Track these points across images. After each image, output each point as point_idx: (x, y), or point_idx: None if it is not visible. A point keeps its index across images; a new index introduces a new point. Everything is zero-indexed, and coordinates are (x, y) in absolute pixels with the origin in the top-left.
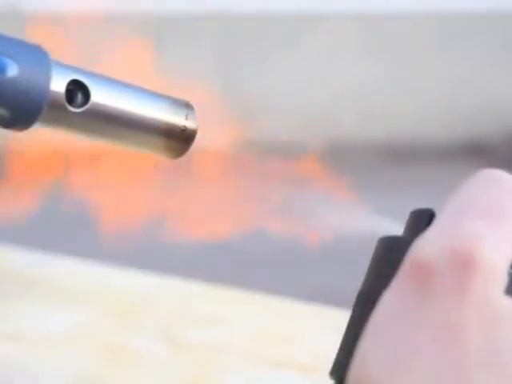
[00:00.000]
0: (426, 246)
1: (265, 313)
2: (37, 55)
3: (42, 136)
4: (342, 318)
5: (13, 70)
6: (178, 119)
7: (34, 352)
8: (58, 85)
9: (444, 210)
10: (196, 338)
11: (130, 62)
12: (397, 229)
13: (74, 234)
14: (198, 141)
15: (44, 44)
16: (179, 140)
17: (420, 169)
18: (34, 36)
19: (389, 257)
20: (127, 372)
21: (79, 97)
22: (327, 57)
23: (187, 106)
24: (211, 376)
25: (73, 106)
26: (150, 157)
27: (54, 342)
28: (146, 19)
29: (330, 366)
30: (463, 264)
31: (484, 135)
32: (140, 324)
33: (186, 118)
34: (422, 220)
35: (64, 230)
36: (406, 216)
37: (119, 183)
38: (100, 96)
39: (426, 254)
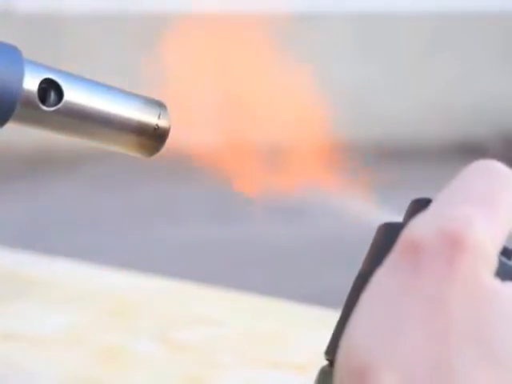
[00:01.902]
0: (419, 226)
1: (260, 313)
2: (9, 54)
3: None
4: (336, 318)
5: None
6: (150, 118)
7: (30, 352)
8: (31, 83)
9: (439, 196)
10: (191, 338)
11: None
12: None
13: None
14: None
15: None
16: (152, 138)
17: (415, 168)
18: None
19: (387, 241)
20: (123, 372)
21: (52, 95)
22: (323, 56)
23: (160, 105)
24: (207, 376)
25: (46, 105)
26: None
27: (50, 342)
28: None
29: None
30: (453, 243)
31: (479, 135)
32: (136, 324)
33: (159, 117)
34: (420, 208)
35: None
36: (401, 214)
37: None
38: (73, 95)
39: (417, 233)
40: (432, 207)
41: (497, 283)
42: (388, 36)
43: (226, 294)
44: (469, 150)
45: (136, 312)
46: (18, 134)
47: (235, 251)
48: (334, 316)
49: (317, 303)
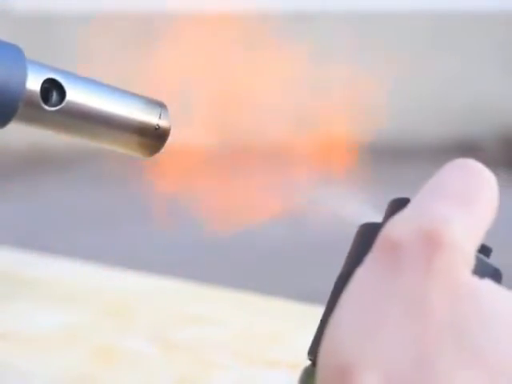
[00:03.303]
0: (397, 225)
1: (255, 312)
2: (12, 54)
3: None
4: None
5: None
6: (151, 118)
7: (25, 352)
8: (34, 83)
9: (417, 195)
10: (187, 337)
11: None
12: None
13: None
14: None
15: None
16: (152, 138)
17: (412, 167)
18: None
19: (366, 241)
20: (118, 372)
21: (54, 95)
22: (320, 55)
23: (160, 105)
24: (202, 375)
25: (48, 105)
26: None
27: (44, 341)
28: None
29: None
30: (431, 242)
31: (476, 134)
32: (132, 324)
33: (160, 117)
34: (399, 207)
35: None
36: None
37: None
38: (75, 95)
39: (395, 232)
40: (410, 206)
41: (475, 280)
42: (386, 35)
43: (222, 293)
44: (466, 150)
45: (132, 311)
46: (14, 133)
47: (232, 251)
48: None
49: (314, 302)
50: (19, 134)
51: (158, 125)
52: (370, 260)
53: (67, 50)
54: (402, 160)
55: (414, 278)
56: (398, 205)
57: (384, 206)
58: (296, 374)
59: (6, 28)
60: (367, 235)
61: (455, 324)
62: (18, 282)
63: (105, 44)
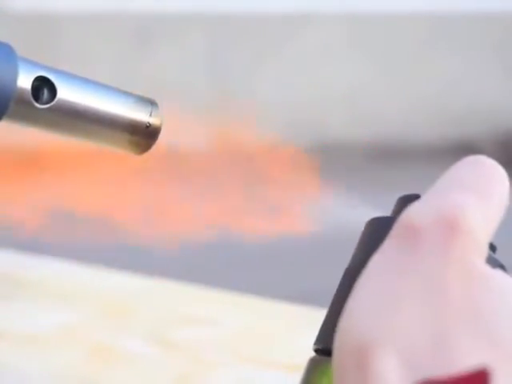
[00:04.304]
0: (416, 211)
1: (252, 313)
2: (3, 52)
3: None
4: None
5: None
6: (142, 116)
7: (22, 352)
8: (25, 81)
9: (433, 186)
10: (184, 337)
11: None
12: None
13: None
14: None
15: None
16: (143, 136)
17: (409, 169)
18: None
19: (377, 235)
20: (116, 372)
21: (45, 93)
22: (318, 57)
23: (152, 103)
24: (200, 375)
25: (39, 103)
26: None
27: (42, 341)
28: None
29: None
30: (449, 227)
31: (473, 135)
32: (128, 324)
33: (151, 115)
34: (410, 202)
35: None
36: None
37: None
38: (66, 92)
39: (415, 217)
40: (426, 195)
41: (488, 268)
42: (384, 36)
43: (220, 294)
44: (463, 151)
45: (129, 312)
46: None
47: (226, 251)
48: None
49: (311, 303)
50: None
51: (148, 122)
52: (387, 245)
53: (66, 50)
54: (400, 161)
55: (432, 261)
56: (408, 200)
57: (380, 206)
58: (294, 375)
59: (4, 27)
60: (377, 228)
61: (472, 305)
62: (17, 282)
63: (104, 44)
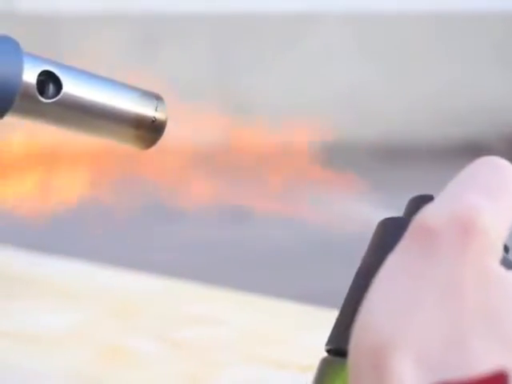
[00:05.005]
0: (430, 212)
1: (261, 313)
2: (9, 47)
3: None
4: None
5: None
6: (147, 110)
7: (29, 351)
8: (30, 76)
9: (447, 186)
10: (192, 337)
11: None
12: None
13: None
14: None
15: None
16: (149, 131)
17: (414, 168)
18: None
19: (389, 235)
20: (124, 371)
21: (51, 87)
22: (323, 57)
23: (157, 97)
24: (208, 375)
25: (44, 97)
26: None
27: (51, 341)
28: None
29: None
30: (464, 229)
31: (478, 134)
32: (136, 324)
33: (156, 110)
34: (422, 203)
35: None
36: (400, 214)
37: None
38: (71, 87)
39: (430, 218)
40: (440, 196)
41: (503, 270)
42: (388, 36)
43: (226, 293)
44: (468, 150)
45: (137, 311)
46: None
47: (237, 251)
48: (334, 317)
49: (318, 303)
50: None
51: (154, 117)
52: (402, 246)
53: (71, 51)
54: (404, 160)
55: (449, 262)
56: (421, 201)
57: (385, 207)
58: (303, 374)
59: (10, 28)
60: (390, 229)
61: (486, 309)
62: (24, 282)
63: (110, 44)
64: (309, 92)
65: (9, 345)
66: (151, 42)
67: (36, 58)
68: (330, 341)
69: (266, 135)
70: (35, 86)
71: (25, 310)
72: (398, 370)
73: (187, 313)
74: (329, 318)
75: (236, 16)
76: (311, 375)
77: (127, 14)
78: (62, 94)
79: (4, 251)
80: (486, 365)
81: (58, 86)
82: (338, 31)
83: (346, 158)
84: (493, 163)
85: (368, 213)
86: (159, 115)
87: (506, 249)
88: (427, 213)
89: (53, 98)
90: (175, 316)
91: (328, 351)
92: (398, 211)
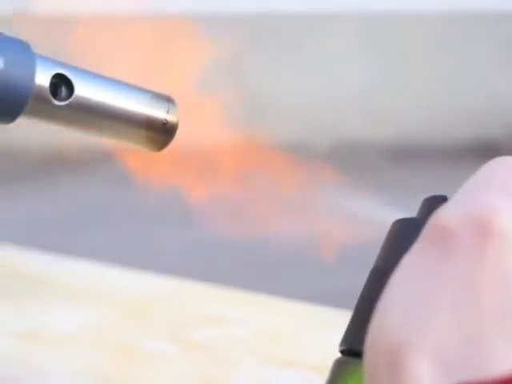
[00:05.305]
0: (447, 212)
1: (275, 313)
2: (22, 50)
3: None
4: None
5: None
6: (159, 113)
7: (46, 351)
8: (43, 78)
9: (462, 187)
10: (207, 338)
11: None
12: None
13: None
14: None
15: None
16: (161, 133)
17: (427, 169)
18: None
19: (404, 235)
20: (139, 372)
21: (63, 90)
22: (333, 57)
23: (168, 100)
24: (222, 376)
25: (57, 99)
26: None
27: (65, 341)
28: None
29: None
30: (482, 229)
31: (490, 135)
32: (151, 324)
33: (168, 112)
34: (436, 204)
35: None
36: (412, 214)
37: None
38: (83, 89)
39: (446, 219)
40: (456, 197)
41: None
42: (400, 36)
43: (240, 294)
44: (480, 150)
45: (151, 312)
46: (32, 133)
47: (247, 251)
48: (349, 317)
49: (330, 304)
50: (35, 134)
51: (166, 119)
52: (419, 247)
53: (87, 52)
54: (417, 161)
55: (467, 263)
56: (435, 201)
57: (396, 207)
58: (317, 375)
59: (24, 28)
60: (404, 230)
61: (505, 309)
62: (40, 283)
63: (124, 46)
64: (320, 92)
65: (24, 344)
66: (166, 42)
67: (48, 60)
68: (344, 341)
69: (278, 135)
70: (48, 89)
71: (42, 311)
72: (415, 371)
73: (203, 313)
74: (342, 318)
75: (250, 16)
76: (324, 375)
77: (142, 14)
78: (74, 96)
79: (17, 251)
80: (506, 365)
81: (71, 88)
82: (351, 31)
83: (359, 158)
84: (508, 163)
85: (380, 213)
86: (170, 117)
87: None
88: (443, 213)
89: (65, 100)
90: (192, 317)
91: (342, 352)
92: (409, 212)
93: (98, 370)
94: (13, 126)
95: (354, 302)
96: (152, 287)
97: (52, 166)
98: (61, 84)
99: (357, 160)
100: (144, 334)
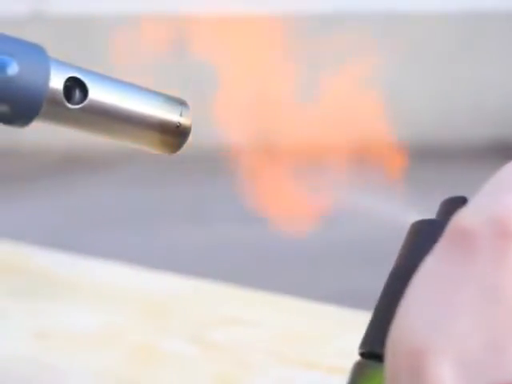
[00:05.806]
0: (468, 214)
1: (292, 314)
2: (36, 53)
3: None
4: (368, 320)
5: (13, 69)
6: (172, 116)
7: (63, 351)
8: (57, 82)
9: (482, 189)
10: (224, 338)
11: None
12: None
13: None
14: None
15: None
16: (174, 136)
17: (447, 169)
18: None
19: (423, 237)
20: (155, 372)
21: (77, 93)
22: (351, 57)
23: (181, 103)
24: (239, 376)
25: (71, 103)
26: None
27: (82, 341)
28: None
29: None
30: (502, 231)
31: (508, 135)
32: (168, 324)
33: (181, 115)
34: (455, 205)
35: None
36: (432, 214)
37: None
38: (97, 93)
39: (467, 221)
40: (477, 198)
41: None
42: (422, 36)
43: (257, 294)
44: (498, 151)
45: (168, 312)
46: (53, 133)
47: (264, 252)
48: (368, 318)
49: (348, 304)
50: (57, 134)
51: (179, 122)
52: (439, 249)
53: (103, 53)
54: (438, 161)
55: (488, 265)
56: (454, 203)
57: (417, 207)
58: (334, 376)
59: (40, 30)
60: (423, 231)
61: None
62: (58, 283)
63: (141, 47)
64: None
65: (44, 345)
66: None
67: (63, 64)
68: (364, 344)
69: (298, 134)
70: (62, 92)
71: (60, 311)
72: (437, 374)
73: (220, 314)
74: (361, 320)
75: (266, 15)
76: (341, 376)
77: (159, 15)
78: (88, 99)
79: (34, 251)
80: None
81: (85, 92)
82: (367, 31)
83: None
84: None
85: (398, 214)
86: (184, 120)
87: None
88: (464, 215)
89: (79, 103)
90: (209, 317)
91: (361, 354)
92: (431, 212)
93: (115, 370)
94: (28, 126)
95: (369, 302)
96: (170, 287)
97: (68, 165)
98: (75, 87)
99: (377, 160)
100: (162, 335)
